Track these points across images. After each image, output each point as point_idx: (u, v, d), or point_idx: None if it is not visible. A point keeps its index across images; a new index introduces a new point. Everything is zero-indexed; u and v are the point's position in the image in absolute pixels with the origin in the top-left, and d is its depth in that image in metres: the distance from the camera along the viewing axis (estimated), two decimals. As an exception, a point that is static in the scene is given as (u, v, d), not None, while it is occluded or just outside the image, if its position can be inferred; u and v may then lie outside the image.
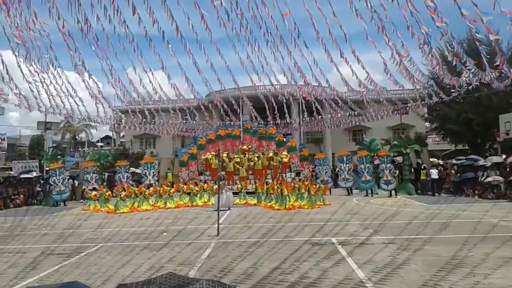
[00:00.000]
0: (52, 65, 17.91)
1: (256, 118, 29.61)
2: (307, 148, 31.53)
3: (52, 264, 9.08)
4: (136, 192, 21.64)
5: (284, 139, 30.08)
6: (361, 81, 18.69)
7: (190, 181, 25.85)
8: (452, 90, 21.15)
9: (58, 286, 2.38)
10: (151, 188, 22.89)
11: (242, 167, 26.77)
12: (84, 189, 25.86)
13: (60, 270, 8.49)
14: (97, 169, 27.09)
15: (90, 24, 13.32)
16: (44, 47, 16.14)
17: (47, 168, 32.15)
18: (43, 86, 19.52)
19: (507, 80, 15.76)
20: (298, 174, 28.38)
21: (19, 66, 17.66)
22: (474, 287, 6.50)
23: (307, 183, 21.40)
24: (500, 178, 21.52)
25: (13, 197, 26.37)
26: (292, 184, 21.27)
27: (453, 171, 24.92)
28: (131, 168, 31.25)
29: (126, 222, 16.14)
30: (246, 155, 27.19)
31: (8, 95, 19.95)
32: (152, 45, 16.34)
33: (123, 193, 21.22)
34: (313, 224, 13.79)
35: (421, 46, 13.13)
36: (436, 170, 25.30)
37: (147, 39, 15.27)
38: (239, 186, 23.86)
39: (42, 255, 10.02)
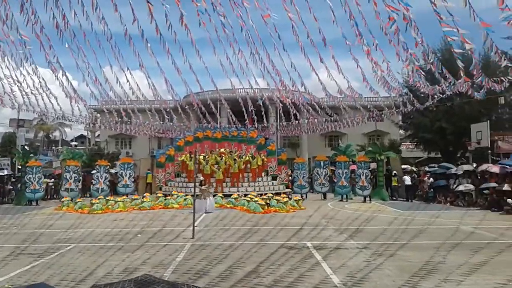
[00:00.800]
0: (26, 61, 17.47)
1: (233, 121, 29.62)
2: (285, 152, 31.70)
3: (23, 264, 8.87)
4: (109, 199, 21.52)
5: (265, 143, 30.24)
6: (340, 87, 18.93)
7: (167, 184, 25.56)
8: (428, 101, 21.62)
9: (25, 287, 2.36)
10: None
11: (219, 170, 26.70)
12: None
13: (31, 270, 8.31)
14: (78, 169, 26.59)
15: (68, 21, 13.07)
16: (18, 42, 15.72)
17: (19, 166, 31.44)
18: (15, 83, 19.01)
19: (483, 89, 16.21)
20: (274, 178, 28.49)
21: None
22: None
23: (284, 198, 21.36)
24: (471, 186, 22.07)
25: (-17, 195, 25.69)
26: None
27: (426, 178, 25.41)
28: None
29: (100, 223, 15.90)
30: (223, 158, 27.14)
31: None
32: (132, 44, 16.14)
33: (95, 200, 21.07)
34: (289, 228, 13.85)
35: (406, 52, 13.30)
36: (409, 177, 25.79)
37: (126, 37, 15.07)
38: (216, 188, 23.80)
39: (12, 255, 9.80)
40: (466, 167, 24.68)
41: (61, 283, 7.27)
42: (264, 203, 19.62)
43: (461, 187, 22.43)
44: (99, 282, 3.35)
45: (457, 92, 19.12)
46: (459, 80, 16.48)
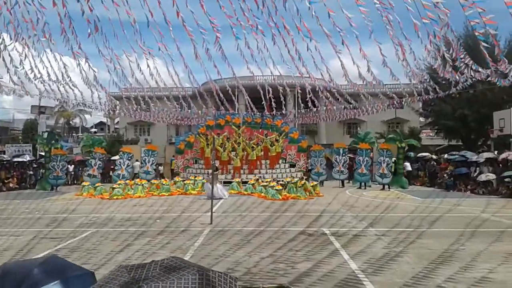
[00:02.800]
0: (50, 50, 17.61)
1: (251, 108, 29.53)
2: (306, 140, 31.54)
3: (46, 248, 9.08)
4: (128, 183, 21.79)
5: (288, 131, 30.24)
6: (361, 73, 18.60)
7: (186, 170, 25.73)
8: (451, 89, 21.18)
9: (38, 261, 2.39)
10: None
11: (237, 157, 26.77)
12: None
13: (54, 254, 8.49)
14: (104, 157, 27.19)
15: (92, 6, 13.07)
16: (40, 30, 15.82)
17: (41, 152, 32.08)
18: (38, 71, 19.20)
19: (509, 76, 15.77)
20: (293, 166, 28.45)
21: (14, 50, 17.31)
22: (465, 280, 6.58)
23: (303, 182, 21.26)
24: (493, 175, 21.70)
25: (6, 180, 26.29)
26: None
27: (450, 166, 25.12)
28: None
29: (120, 208, 16.14)
30: (241, 145, 27.19)
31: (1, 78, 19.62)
32: (156, 30, 16.06)
33: (116, 184, 21.35)
34: (308, 215, 13.85)
35: (430, 37, 12.90)
36: (408, 163, 26.47)
37: (148, 24, 15.01)
38: (233, 175, 23.89)
39: (35, 239, 10.02)
40: (487, 154, 24.25)
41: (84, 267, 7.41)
42: (281, 188, 19.59)
43: (482, 176, 22.08)
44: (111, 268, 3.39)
45: (481, 79, 18.67)
46: (483, 70, 16.08)
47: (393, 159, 24.84)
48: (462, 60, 15.78)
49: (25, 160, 29.73)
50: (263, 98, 27.39)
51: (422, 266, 7.31)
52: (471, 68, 15.83)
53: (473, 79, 17.93)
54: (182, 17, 13.41)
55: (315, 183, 22.35)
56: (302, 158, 29.35)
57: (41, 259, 2.18)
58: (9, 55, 16.94)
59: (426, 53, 18.00)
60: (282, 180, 22.40)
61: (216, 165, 23.00)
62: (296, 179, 21.37)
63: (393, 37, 14.16)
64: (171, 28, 15.44)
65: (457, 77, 17.25)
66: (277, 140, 28.09)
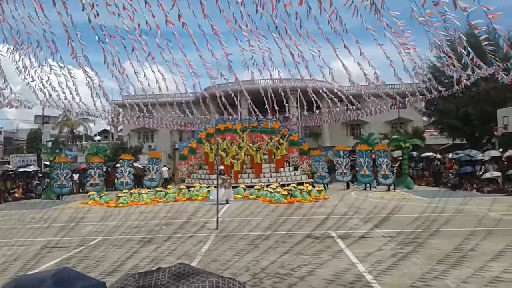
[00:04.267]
0: (53, 59, 17.63)
1: (255, 112, 29.55)
2: (306, 143, 31.56)
3: (55, 257, 9.10)
4: (133, 192, 21.82)
5: (287, 133, 30.19)
6: (365, 73, 18.57)
7: (190, 176, 25.72)
8: (455, 87, 21.10)
9: (50, 272, 2.39)
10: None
11: (238, 161, 26.77)
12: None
13: (63, 263, 8.50)
14: (102, 165, 27.34)
15: (98, 13, 13.09)
16: (43, 39, 15.89)
17: (46, 162, 32.19)
18: (41, 81, 19.26)
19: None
20: (296, 169, 28.40)
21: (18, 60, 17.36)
22: (476, 280, 6.54)
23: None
24: (498, 173, 21.61)
25: (11, 191, 26.39)
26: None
27: (455, 165, 25.03)
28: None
29: (127, 216, 16.15)
30: (243, 149, 27.19)
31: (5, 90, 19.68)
32: (159, 38, 16.10)
33: (121, 193, 21.43)
34: (314, 218, 13.84)
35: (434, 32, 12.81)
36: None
37: (151, 32, 15.04)
38: (236, 180, 23.86)
39: (44, 248, 10.04)
40: (492, 153, 24.17)
41: (90, 274, 7.41)
42: (286, 193, 19.60)
43: (487, 174, 22.00)
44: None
45: (483, 76, 18.61)
46: (486, 67, 16.01)
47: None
48: (466, 56, 15.73)
49: (30, 170, 29.84)
50: (266, 102, 27.38)
51: (431, 267, 7.27)
52: (475, 66, 15.77)
53: (477, 76, 17.86)
54: (184, 22, 13.38)
55: (321, 187, 22.36)
56: (305, 161, 29.30)
57: (53, 271, 2.18)
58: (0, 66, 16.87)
59: (429, 51, 17.91)
60: (289, 185, 22.37)
61: (221, 167, 23.05)
62: (301, 187, 21.21)
63: (391, 36, 14.12)
64: (178, 35, 15.40)
65: (461, 75, 17.16)
66: (280, 144, 28.08)
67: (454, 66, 16.32)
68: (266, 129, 29.83)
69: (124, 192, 21.76)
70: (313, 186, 21.80)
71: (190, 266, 2.45)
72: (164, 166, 28.17)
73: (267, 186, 22.22)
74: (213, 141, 26.90)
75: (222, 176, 20.00)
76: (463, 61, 15.26)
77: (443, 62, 17.75)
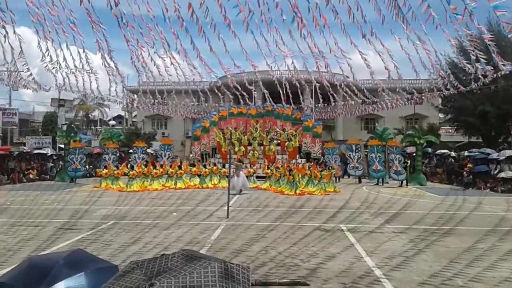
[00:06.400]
0: (74, 43, 17.77)
1: (270, 101, 29.48)
2: (320, 125, 31.19)
3: (67, 238, 9.24)
4: (145, 172, 21.83)
5: (302, 118, 30.12)
6: (386, 67, 18.38)
7: (199, 162, 25.79)
8: (473, 83, 20.77)
9: (63, 254, 2.42)
10: (160, 169, 22.86)
11: (254, 151, 26.77)
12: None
13: (74, 245, 8.62)
14: (117, 151, 27.74)
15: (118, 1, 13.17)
16: (66, 24, 16.02)
17: (60, 145, 32.59)
18: (59, 65, 19.42)
19: None
20: (308, 154, 28.16)
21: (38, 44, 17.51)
22: (486, 279, 6.48)
23: (320, 169, 21.17)
24: (512, 173, 21.36)
25: (26, 172, 26.80)
26: (304, 168, 20.94)
27: (469, 164, 24.75)
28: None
29: (138, 201, 16.31)
30: (257, 139, 27.18)
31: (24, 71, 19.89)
32: (171, 26, 16.12)
33: (132, 172, 21.48)
34: (325, 211, 13.82)
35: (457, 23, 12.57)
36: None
37: (166, 19, 15.02)
38: (250, 170, 23.90)
39: (58, 230, 10.19)
40: (508, 152, 23.82)
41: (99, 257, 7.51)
42: (292, 181, 19.57)
43: (502, 174, 21.71)
44: (138, 258, 3.41)
45: (503, 74, 18.28)
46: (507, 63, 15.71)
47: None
48: (483, 55, 15.47)
49: (45, 152, 30.26)
50: (280, 93, 27.29)
51: (440, 265, 7.22)
52: (493, 64, 15.51)
53: (497, 73, 17.55)
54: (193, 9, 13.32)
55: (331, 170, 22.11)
56: (318, 143, 28.98)
57: (67, 252, 2.23)
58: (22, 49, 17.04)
59: (450, 47, 17.68)
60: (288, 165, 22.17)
61: (240, 159, 23.10)
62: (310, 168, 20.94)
63: (408, 31, 13.95)
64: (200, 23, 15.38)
65: (481, 71, 16.87)
66: (294, 136, 28.00)
67: (476, 62, 16.05)
68: (281, 114, 29.74)
69: (136, 174, 21.76)
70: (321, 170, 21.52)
71: (194, 251, 2.46)
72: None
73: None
74: (226, 130, 26.92)
75: (237, 162, 20.06)
76: (483, 57, 15.04)
77: (464, 56, 17.48)
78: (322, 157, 28.15)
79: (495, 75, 18.45)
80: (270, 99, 28.28)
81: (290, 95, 27.87)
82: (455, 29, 13.04)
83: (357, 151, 26.74)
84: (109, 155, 26.94)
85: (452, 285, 6.24)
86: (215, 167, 23.84)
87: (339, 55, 17.44)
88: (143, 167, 22.45)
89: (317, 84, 25.75)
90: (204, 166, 24.03)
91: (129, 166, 27.05)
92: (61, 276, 2.18)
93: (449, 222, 11.63)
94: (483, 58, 15.57)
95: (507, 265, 7.23)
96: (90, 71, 20.83)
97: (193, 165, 24.01)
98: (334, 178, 22.74)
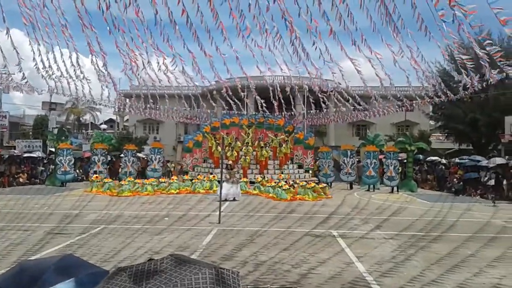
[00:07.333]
0: (67, 46, 17.70)
1: (262, 107, 29.53)
2: (313, 137, 31.39)
3: (56, 243, 9.17)
4: (137, 182, 21.86)
5: (294, 131, 30.20)
6: (377, 74, 18.52)
7: (194, 169, 25.74)
8: (462, 92, 20.95)
9: (54, 259, 2.41)
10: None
11: (246, 156, 26.74)
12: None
13: (64, 249, 8.56)
14: (105, 152, 27.39)
15: (110, 3, 13.12)
16: (58, 26, 15.96)
17: (51, 148, 32.33)
18: (51, 68, 19.30)
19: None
20: (300, 166, 28.36)
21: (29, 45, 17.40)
22: (474, 285, 6.54)
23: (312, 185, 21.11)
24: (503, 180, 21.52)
25: (16, 175, 26.54)
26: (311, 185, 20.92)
27: (459, 171, 24.96)
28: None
29: (129, 206, 16.22)
30: (249, 145, 27.17)
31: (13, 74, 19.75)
32: (162, 31, 16.10)
33: (123, 181, 21.47)
34: (315, 216, 13.84)
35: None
36: None
37: (158, 24, 15.02)
38: (241, 175, 23.88)
39: (48, 235, 10.11)
40: (498, 160, 24.05)
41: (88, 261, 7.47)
42: (288, 187, 19.61)
43: (492, 181, 21.90)
44: (123, 264, 3.40)
45: (493, 82, 18.48)
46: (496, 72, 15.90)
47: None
48: (472, 63, 15.64)
49: (35, 155, 30.00)
50: (272, 99, 27.32)
51: (430, 271, 7.27)
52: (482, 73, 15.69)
53: (487, 81, 17.74)
54: (187, 14, 13.34)
55: (324, 185, 22.29)
56: (309, 155, 29.20)
57: (57, 258, 2.22)
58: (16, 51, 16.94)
59: (441, 55, 17.86)
60: (293, 181, 22.35)
61: (229, 162, 23.06)
62: (304, 183, 21.12)
63: (399, 39, 14.09)
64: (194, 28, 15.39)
65: (470, 80, 17.05)
66: (286, 141, 28.05)
67: (465, 69, 16.23)
68: (272, 125, 29.82)
69: (127, 181, 21.77)
70: (317, 183, 21.79)
71: (184, 256, 2.44)
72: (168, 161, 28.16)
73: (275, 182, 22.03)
74: (218, 136, 26.89)
75: (230, 170, 20.00)
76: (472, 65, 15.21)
77: (454, 64, 17.66)
78: (315, 167, 28.46)
79: (484, 83, 18.64)
80: (263, 105, 28.30)
81: (282, 101, 27.93)
82: (443, 37, 13.18)
83: (351, 156, 26.84)
84: (98, 156, 26.56)
85: (442, 291, 6.28)
86: (212, 176, 23.71)
87: (330, 62, 17.52)
88: (133, 179, 22.41)
89: (307, 92, 25.87)
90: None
91: (120, 170, 27.02)
92: (52, 282, 2.18)
93: (439, 228, 11.72)
94: (471, 67, 15.75)
95: (496, 271, 7.30)
96: (83, 76, 20.73)
97: (186, 172, 23.96)
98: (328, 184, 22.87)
